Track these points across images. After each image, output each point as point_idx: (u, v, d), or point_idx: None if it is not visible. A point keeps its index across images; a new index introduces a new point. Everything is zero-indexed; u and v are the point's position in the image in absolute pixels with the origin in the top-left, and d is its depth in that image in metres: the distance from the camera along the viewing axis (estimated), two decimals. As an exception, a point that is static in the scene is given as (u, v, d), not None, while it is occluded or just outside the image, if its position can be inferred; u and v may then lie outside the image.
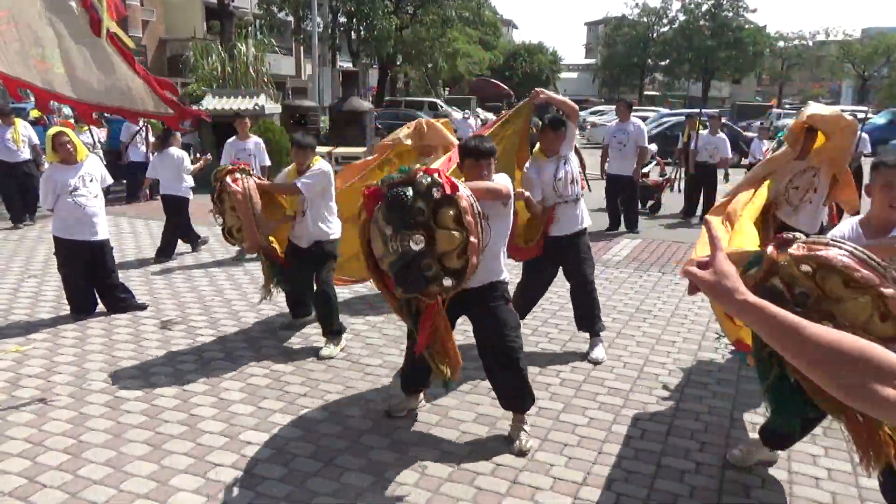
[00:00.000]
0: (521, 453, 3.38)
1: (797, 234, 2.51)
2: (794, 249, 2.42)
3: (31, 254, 7.58)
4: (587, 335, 4.84)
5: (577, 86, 58.88)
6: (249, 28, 24.13)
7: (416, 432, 3.61)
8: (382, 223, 2.97)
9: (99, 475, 3.16)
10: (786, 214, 4.40)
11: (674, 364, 4.59)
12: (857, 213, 4.03)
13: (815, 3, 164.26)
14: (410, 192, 2.89)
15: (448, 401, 3.98)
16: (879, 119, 24.13)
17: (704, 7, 49.29)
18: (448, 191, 2.89)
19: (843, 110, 4.53)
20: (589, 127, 25.94)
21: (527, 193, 4.28)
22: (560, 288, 6.32)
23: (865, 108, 15.02)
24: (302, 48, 35.91)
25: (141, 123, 11.64)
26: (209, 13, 32.83)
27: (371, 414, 3.81)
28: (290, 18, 30.72)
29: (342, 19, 30.15)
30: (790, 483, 3.17)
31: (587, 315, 4.74)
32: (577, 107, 4.54)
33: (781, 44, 52.58)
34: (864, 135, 9.90)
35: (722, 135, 10.29)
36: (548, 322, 5.34)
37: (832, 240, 2.44)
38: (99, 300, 5.54)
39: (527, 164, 4.59)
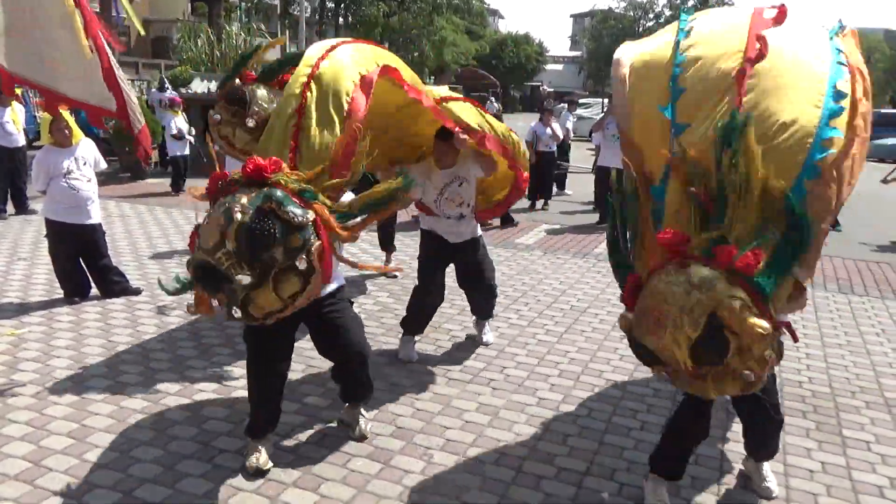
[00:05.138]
0: (363, 437, 3.42)
1: None
2: None
3: (19, 236, 7.48)
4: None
5: (562, 78, 58.93)
6: (234, 13, 23.85)
7: (419, 421, 3.65)
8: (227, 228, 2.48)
9: (105, 459, 3.16)
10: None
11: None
12: None
13: (797, 3, 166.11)
14: (278, 231, 2.48)
15: (449, 390, 4.03)
16: (860, 119, 24.45)
17: (690, 3, 49.60)
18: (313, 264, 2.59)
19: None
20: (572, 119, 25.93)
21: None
22: (553, 281, 6.40)
23: None
24: (288, 32, 35.57)
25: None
26: (194, -6, 32.37)
27: (374, 402, 3.83)
28: (277, 2, 30.45)
29: (330, 4, 29.96)
30: (786, 476, 3.26)
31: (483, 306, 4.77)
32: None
33: (764, 42, 53.02)
34: None
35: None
36: (543, 314, 5.40)
37: None
38: (93, 284, 5.50)
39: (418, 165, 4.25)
